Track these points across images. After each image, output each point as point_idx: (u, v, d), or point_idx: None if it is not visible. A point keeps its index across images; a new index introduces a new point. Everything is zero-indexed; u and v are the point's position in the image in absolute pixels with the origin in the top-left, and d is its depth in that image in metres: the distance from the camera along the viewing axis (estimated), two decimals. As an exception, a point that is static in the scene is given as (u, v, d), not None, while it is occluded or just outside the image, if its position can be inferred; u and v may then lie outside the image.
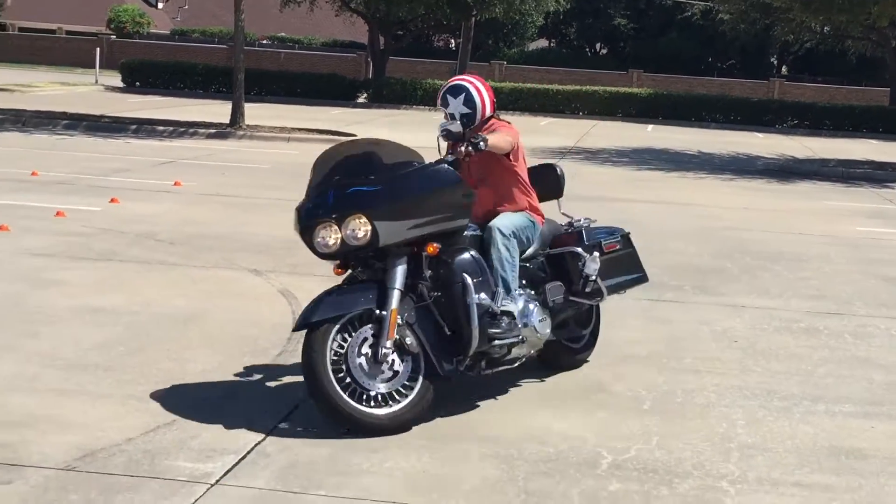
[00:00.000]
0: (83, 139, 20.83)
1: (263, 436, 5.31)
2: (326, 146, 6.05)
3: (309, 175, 5.80)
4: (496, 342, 5.80)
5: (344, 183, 5.54)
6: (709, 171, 21.42)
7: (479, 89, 6.24)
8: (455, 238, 5.80)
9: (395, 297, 5.47)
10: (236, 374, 6.34)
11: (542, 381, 6.54)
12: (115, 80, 40.18)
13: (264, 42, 61.86)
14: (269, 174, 16.45)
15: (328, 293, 5.59)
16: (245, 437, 5.28)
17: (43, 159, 16.57)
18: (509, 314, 5.88)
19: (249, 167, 17.28)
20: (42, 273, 8.68)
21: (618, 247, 6.89)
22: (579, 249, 6.52)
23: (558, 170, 6.97)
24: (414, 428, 5.55)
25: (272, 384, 6.25)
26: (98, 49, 46.99)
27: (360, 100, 38.42)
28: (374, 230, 5.39)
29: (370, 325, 5.48)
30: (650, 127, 34.68)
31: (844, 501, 4.94)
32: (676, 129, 33.72)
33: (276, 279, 8.90)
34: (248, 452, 5.10)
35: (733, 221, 13.96)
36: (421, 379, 5.56)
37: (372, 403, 5.42)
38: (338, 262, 5.70)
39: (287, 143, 22.08)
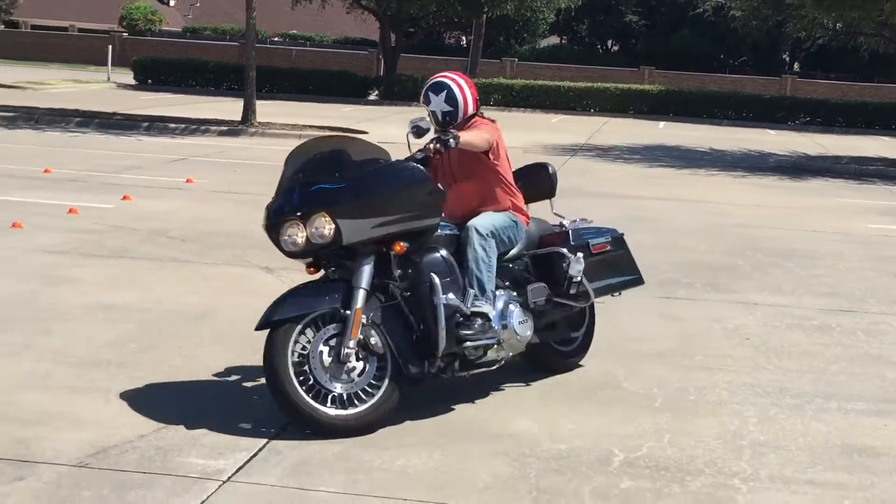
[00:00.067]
0: (95, 136, 20.89)
1: (275, 433, 5.32)
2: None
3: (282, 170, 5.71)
4: (468, 343, 5.67)
5: (310, 181, 5.46)
6: (720, 168, 21.38)
7: (462, 86, 6.15)
8: (425, 237, 5.69)
9: (360, 296, 5.37)
10: (248, 371, 6.35)
11: (553, 378, 6.53)
12: (128, 77, 40.27)
13: (276, 39, 61.93)
14: (280, 171, 16.42)
15: (293, 291, 5.51)
16: (256, 434, 5.29)
17: (55, 157, 16.62)
18: (483, 315, 5.75)
19: (261, 164, 17.29)
20: (55, 270, 8.71)
21: (608, 248, 6.72)
22: (564, 250, 6.37)
23: (550, 168, 6.84)
24: (425, 425, 5.55)
25: (284, 381, 6.25)
26: (110, 46, 47.07)
27: (372, 97, 38.43)
28: (337, 228, 5.31)
29: (334, 325, 5.39)
30: (662, 124, 34.62)
31: (857, 500, 4.93)
32: (688, 126, 33.65)
33: (287, 276, 8.90)
34: (260, 449, 5.11)
35: (745, 218, 13.93)
36: (387, 380, 5.45)
37: (335, 404, 5.32)
38: (309, 261, 5.61)
39: (299, 140, 21.97)
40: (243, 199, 13.04)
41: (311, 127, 23.58)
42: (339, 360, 5.34)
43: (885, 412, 6.22)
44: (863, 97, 41.64)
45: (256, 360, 6.53)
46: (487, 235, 5.90)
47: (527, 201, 6.62)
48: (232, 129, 22.91)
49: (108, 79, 40.97)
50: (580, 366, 6.69)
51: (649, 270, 9.81)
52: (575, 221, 6.72)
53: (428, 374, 5.63)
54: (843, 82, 49.44)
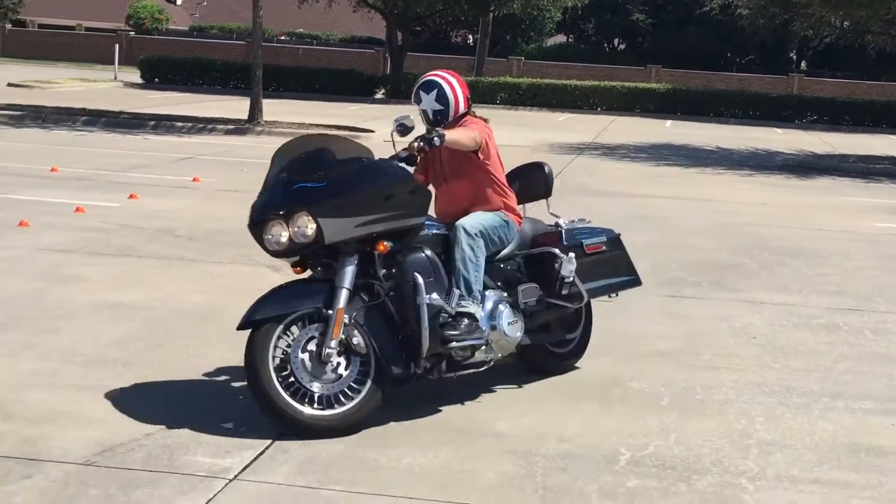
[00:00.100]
0: (102, 135, 20.92)
1: (281, 431, 5.32)
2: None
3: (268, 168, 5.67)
4: (453, 344, 5.58)
5: (292, 179, 5.41)
6: (727, 166, 21.35)
7: (453, 85, 6.11)
8: (410, 237, 5.63)
9: (343, 296, 5.31)
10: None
11: (560, 377, 6.53)
12: (134, 76, 40.31)
13: (282, 38, 61.98)
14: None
15: (275, 291, 5.47)
16: (263, 433, 5.29)
17: (62, 155, 16.64)
18: (469, 315, 5.68)
19: (268, 163, 17.26)
20: (61, 269, 8.72)
21: (603, 248, 6.62)
22: (556, 250, 6.28)
23: (546, 168, 6.71)
24: (431, 423, 5.55)
25: (290, 380, 6.25)
26: (117, 45, 47.09)
27: (378, 95, 38.42)
28: (318, 228, 5.26)
29: (317, 325, 5.34)
30: (668, 122, 34.57)
31: (864, 499, 4.92)
32: (695, 125, 33.60)
33: (293, 275, 8.90)
34: (267, 448, 5.11)
35: (752, 217, 13.91)
36: (370, 380, 5.39)
37: (317, 404, 5.28)
38: (294, 261, 5.56)
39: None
40: (250, 197, 12.92)
41: (317, 125, 23.56)
42: (320, 361, 5.29)
43: (893, 411, 6.20)
44: (870, 96, 41.53)
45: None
46: (476, 235, 5.83)
47: (523, 201, 6.58)
48: (239, 127, 22.93)
49: (115, 77, 41.02)
50: (577, 368, 6.64)
51: (656, 269, 9.83)
52: (574, 221, 6.64)
53: (413, 375, 5.56)
54: (850, 81, 49.32)
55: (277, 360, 5.28)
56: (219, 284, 8.57)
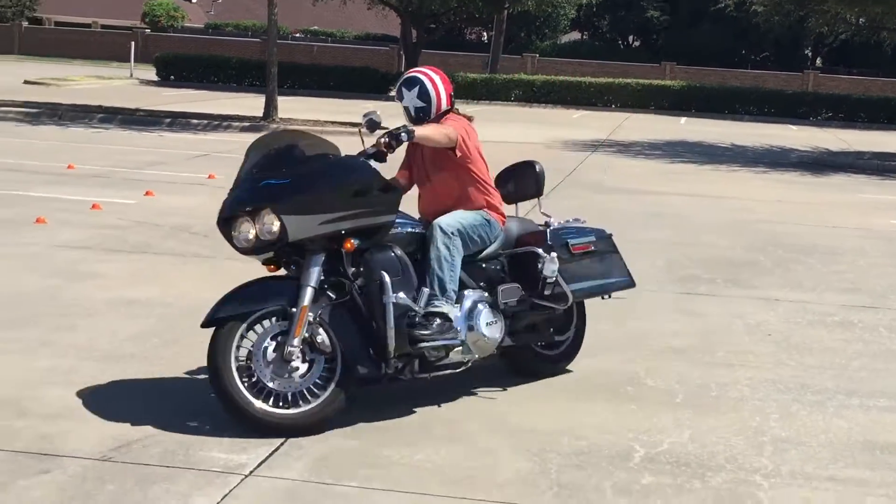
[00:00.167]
0: (118, 132, 20.99)
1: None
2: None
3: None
4: (423, 344, 5.48)
5: (259, 176, 5.36)
6: (742, 163, 21.30)
7: (435, 82, 6.08)
8: (380, 235, 5.51)
9: (307, 294, 5.23)
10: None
11: (574, 373, 6.53)
12: (150, 73, 40.41)
13: (297, 35, 62.08)
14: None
15: (240, 289, 5.42)
16: (278, 429, 5.31)
17: (79, 152, 16.71)
18: (442, 315, 5.58)
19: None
20: (78, 266, 8.76)
21: (591, 248, 6.42)
22: (539, 249, 6.13)
23: (537, 167, 6.57)
24: (444, 420, 5.56)
25: (305, 376, 6.27)
26: (133, 43, 47.27)
27: (393, 93, 38.33)
28: (282, 225, 5.18)
29: (281, 323, 5.29)
30: (683, 119, 34.51)
31: (878, 497, 4.91)
32: (709, 122, 33.53)
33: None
34: (282, 444, 5.13)
35: (766, 214, 13.88)
36: (335, 379, 5.31)
37: (280, 403, 5.21)
38: (267, 258, 5.48)
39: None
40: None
41: (332, 123, 23.61)
42: (283, 359, 5.24)
43: (908, 409, 6.20)
44: (885, 93, 41.39)
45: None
46: (452, 234, 5.73)
47: (514, 201, 6.55)
48: (254, 124, 22.96)
49: (131, 75, 41.15)
50: (568, 371, 6.55)
51: (671, 266, 9.83)
52: (567, 221, 6.54)
53: (384, 375, 5.47)
54: (865, 77, 49.17)
55: (242, 359, 5.25)
56: (234, 281, 8.53)
